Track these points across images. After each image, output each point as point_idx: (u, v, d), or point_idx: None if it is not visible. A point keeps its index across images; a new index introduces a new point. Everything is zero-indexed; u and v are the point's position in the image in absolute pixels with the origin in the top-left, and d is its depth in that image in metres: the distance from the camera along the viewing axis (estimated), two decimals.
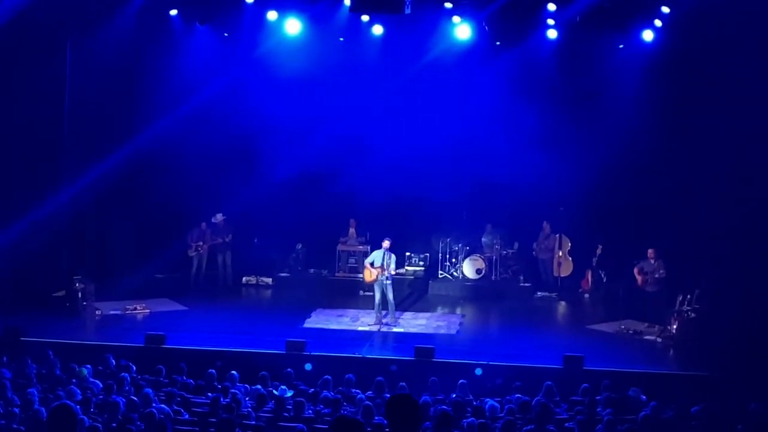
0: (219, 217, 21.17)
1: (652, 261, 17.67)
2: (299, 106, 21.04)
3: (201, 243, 20.68)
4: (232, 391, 12.43)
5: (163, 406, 11.43)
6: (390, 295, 17.47)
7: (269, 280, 21.48)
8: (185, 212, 20.66)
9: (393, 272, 17.53)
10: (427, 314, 18.92)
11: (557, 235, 20.68)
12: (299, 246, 22.18)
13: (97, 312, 18.04)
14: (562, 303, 20.37)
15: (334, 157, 21.08)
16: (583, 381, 13.46)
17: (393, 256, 17.54)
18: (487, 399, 12.57)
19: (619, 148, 19.32)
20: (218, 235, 21.09)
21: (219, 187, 21.02)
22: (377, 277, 17.40)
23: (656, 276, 17.54)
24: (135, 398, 11.56)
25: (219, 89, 20.24)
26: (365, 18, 19.73)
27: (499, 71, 20.11)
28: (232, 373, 13.55)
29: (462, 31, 19.36)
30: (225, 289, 20.97)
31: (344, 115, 20.97)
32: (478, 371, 14.68)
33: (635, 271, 17.88)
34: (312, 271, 22.07)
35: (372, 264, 17.57)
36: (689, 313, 16.55)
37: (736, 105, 16.12)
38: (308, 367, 14.76)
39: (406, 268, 21.38)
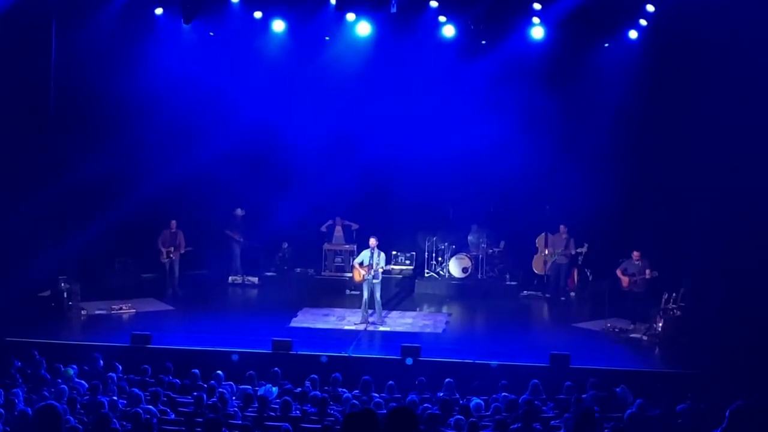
0: (239, 212, 21.36)
1: (637, 262, 17.65)
2: (284, 105, 21.00)
3: (172, 248, 20.34)
4: (219, 390, 12.40)
5: (149, 406, 11.39)
6: (377, 295, 17.48)
7: (255, 280, 21.41)
8: (171, 212, 20.54)
9: (382, 269, 17.47)
10: (414, 313, 18.95)
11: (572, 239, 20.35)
12: (285, 245, 22.16)
13: (82, 312, 17.98)
14: (549, 302, 20.39)
15: (320, 156, 21.13)
16: (569, 379, 13.49)
17: (382, 254, 17.54)
18: (473, 397, 12.59)
19: (604, 148, 19.39)
20: (238, 229, 21.27)
21: (206, 186, 20.94)
22: (364, 276, 17.41)
23: (646, 277, 17.52)
24: (121, 398, 11.50)
25: (204, 88, 20.20)
26: (351, 17, 19.72)
27: (485, 70, 20.12)
28: (218, 373, 13.52)
29: (448, 30, 19.39)
30: (210, 288, 20.86)
31: (330, 113, 20.99)
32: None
33: (618, 272, 17.84)
34: (298, 270, 22.05)
35: (361, 264, 17.56)
36: (675, 311, 16.60)
37: (720, 104, 16.17)
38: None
39: (393, 266, 21.41)
